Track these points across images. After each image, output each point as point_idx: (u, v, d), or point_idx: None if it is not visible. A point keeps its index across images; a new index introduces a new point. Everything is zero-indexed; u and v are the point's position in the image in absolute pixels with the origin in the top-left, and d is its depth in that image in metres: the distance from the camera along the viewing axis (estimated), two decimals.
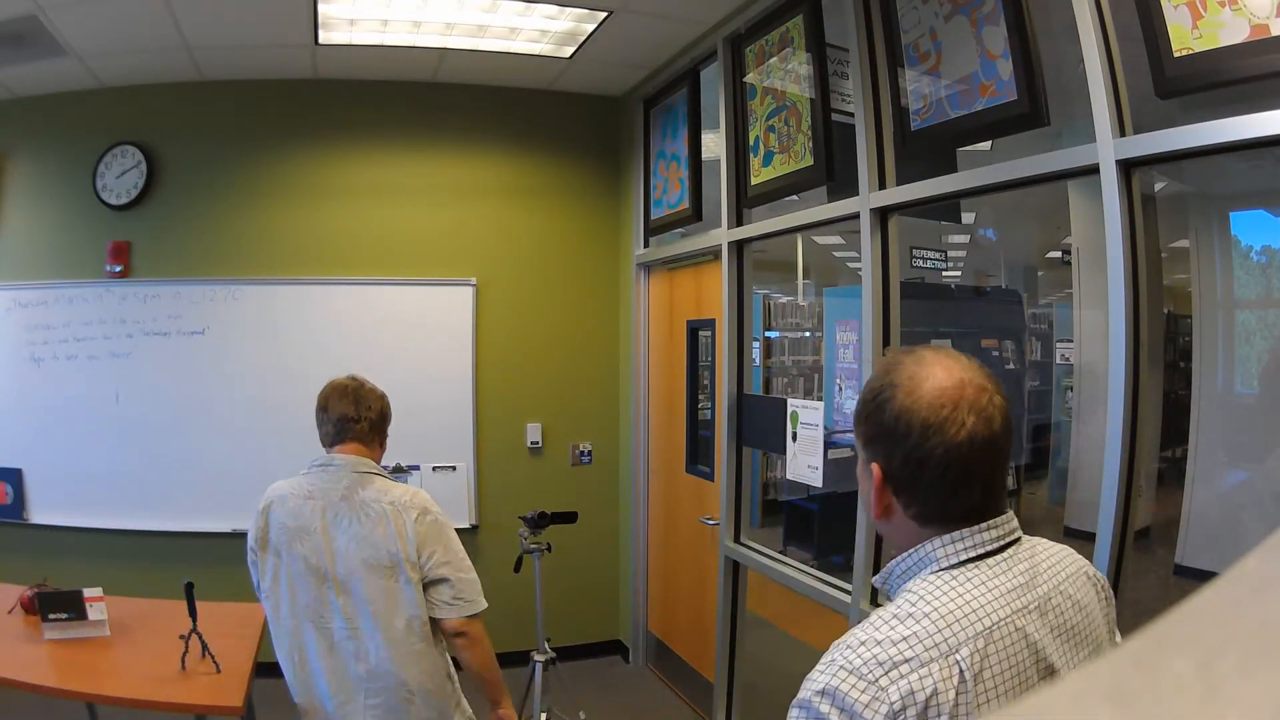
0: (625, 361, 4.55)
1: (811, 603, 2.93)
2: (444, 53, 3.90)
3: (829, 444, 3.52)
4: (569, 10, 3.42)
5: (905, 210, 2.66)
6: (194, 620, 2.40)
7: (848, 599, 2.68)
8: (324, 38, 3.68)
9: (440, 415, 4.22)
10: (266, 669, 3.04)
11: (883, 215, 2.64)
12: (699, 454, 4.00)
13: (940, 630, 0.89)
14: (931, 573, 0.96)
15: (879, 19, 2.60)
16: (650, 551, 4.45)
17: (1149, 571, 3.36)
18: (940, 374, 0.96)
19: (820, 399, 3.70)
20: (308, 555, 2.03)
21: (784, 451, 3.11)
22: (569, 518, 3.14)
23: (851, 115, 2.74)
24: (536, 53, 3.88)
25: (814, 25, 2.89)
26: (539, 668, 3.05)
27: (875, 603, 2.62)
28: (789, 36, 3.04)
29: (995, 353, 5.07)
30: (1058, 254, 5.90)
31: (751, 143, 3.28)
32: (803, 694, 0.89)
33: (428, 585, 2.05)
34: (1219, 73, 1.67)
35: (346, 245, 4.25)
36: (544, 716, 3.03)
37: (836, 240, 6.13)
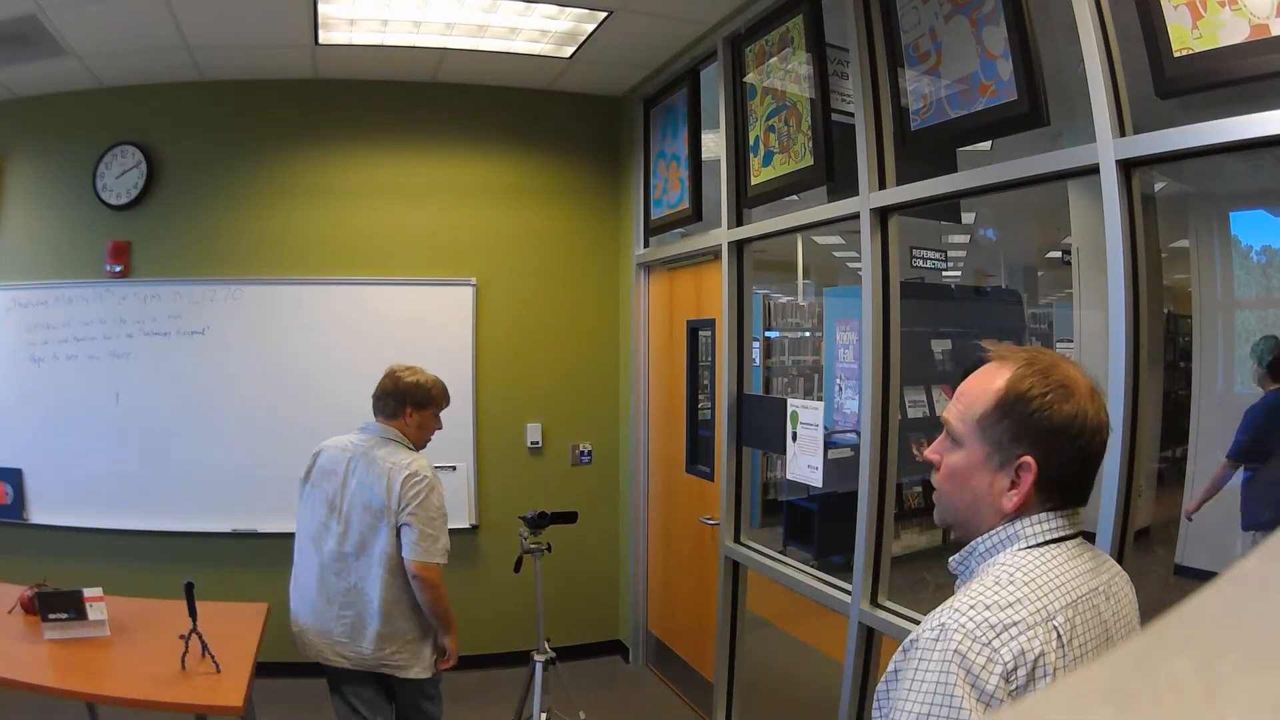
0: (625, 361, 4.55)
1: (811, 603, 2.93)
2: (444, 53, 3.90)
3: (829, 444, 3.52)
4: (569, 10, 3.42)
5: (905, 210, 2.66)
6: (194, 620, 2.41)
7: (848, 599, 2.68)
8: (324, 38, 3.68)
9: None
10: (266, 669, 3.05)
11: (883, 215, 2.64)
12: (699, 454, 4.00)
13: (1040, 598, 0.96)
14: (1018, 549, 1.02)
15: (879, 19, 2.60)
16: (650, 551, 4.45)
17: (1149, 571, 3.36)
18: (1077, 375, 1.04)
19: (820, 399, 3.70)
20: (328, 491, 2.64)
21: (784, 451, 3.11)
22: (569, 518, 3.13)
23: (851, 115, 2.73)
24: (536, 53, 3.88)
25: (814, 25, 2.89)
26: (539, 668, 3.05)
27: (875, 603, 2.62)
28: (789, 36, 3.04)
29: None
30: (1058, 254, 5.90)
31: (751, 143, 3.28)
32: (922, 647, 0.94)
33: (398, 529, 2.55)
34: (1219, 73, 1.67)
35: (346, 245, 4.25)
36: (544, 716, 3.03)
37: (836, 240, 6.14)
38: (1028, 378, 1.02)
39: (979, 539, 1.06)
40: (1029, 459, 1.01)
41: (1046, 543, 1.02)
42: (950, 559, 1.12)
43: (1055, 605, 0.96)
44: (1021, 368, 1.03)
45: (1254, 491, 2.90)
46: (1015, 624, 0.92)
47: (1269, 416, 2.96)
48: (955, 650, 0.91)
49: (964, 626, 0.92)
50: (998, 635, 0.92)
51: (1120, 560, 1.90)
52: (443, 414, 2.76)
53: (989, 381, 1.05)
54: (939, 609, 0.97)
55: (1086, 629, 0.98)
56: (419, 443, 2.71)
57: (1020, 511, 1.03)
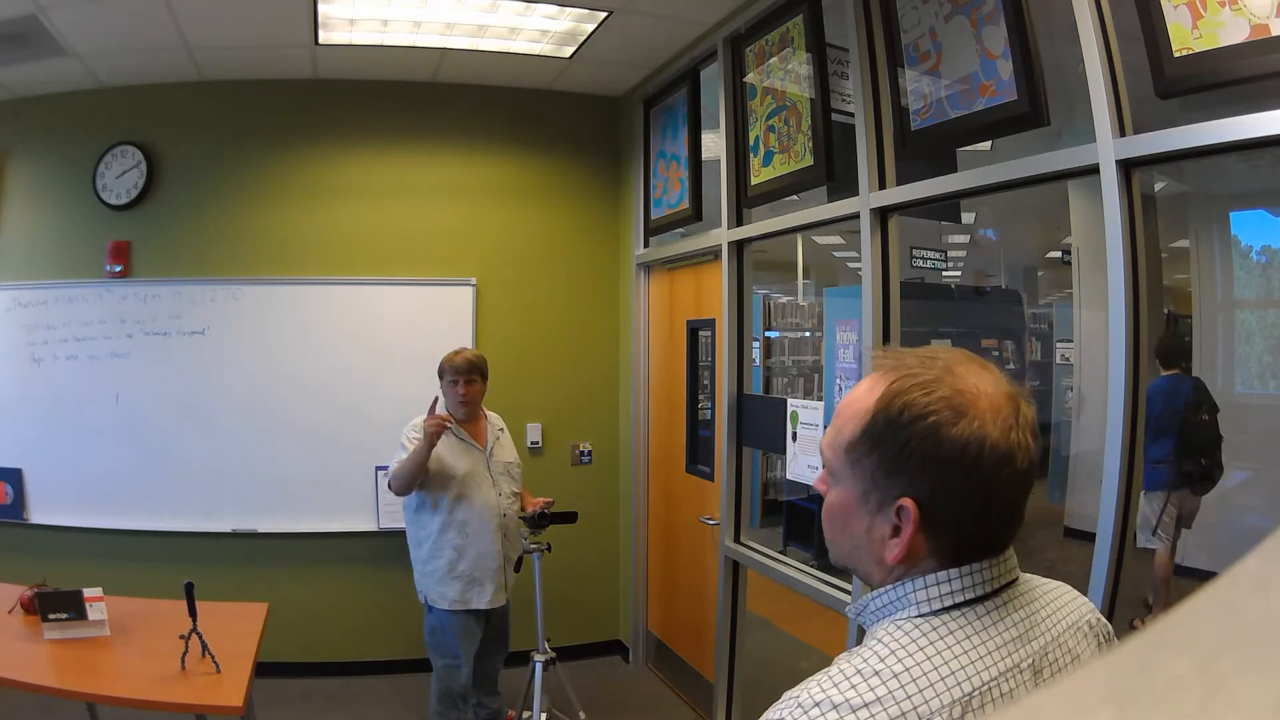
0: (625, 361, 4.55)
1: (811, 603, 2.93)
2: (444, 53, 3.90)
3: None
4: (569, 10, 3.42)
5: (905, 210, 2.66)
6: (194, 620, 2.41)
7: (847, 599, 2.68)
8: (324, 38, 3.68)
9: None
10: (266, 669, 3.05)
11: (883, 215, 2.64)
12: (699, 454, 4.00)
13: (910, 696, 0.74)
14: (906, 618, 0.81)
15: (879, 19, 2.60)
16: (650, 551, 4.45)
17: (1149, 571, 3.36)
18: (986, 383, 0.81)
19: (820, 399, 3.70)
20: None
21: (784, 451, 3.11)
22: (569, 518, 3.14)
23: (851, 115, 2.74)
24: (536, 53, 3.88)
25: (814, 25, 2.89)
26: (539, 667, 3.05)
27: None
28: (789, 36, 3.04)
29: (995, 353, 5.08)
30: (1058, 254, 5.90)
31: (751, 143, 3.28)
32: None
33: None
34: (1219, 73, 1.67)
35: (346, 245, 4.25)
36: (544, 717, 3.03)
37: (836, 240, 6.14)
38: (903, 394, 0.80)
39: (870, 595, 0.86)
40: (908, 502, 0.80)
41: (946, 609, 0.80)
42: (847, 608, 0.94)
43: (934, 705, 0.74)
44: (899, 380, 0.81)
45: (1150, 458, 3.19)
46: None
47: (1156, 399, 3.26)
48: None
49: None
50: None
51: (1120, 560, 1.90)
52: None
53: (862, 399, 0.83)
54: (792, 691, 0.78)
55: None
56: (454, 411, 3.17)
57: (913, 566, 0.82)
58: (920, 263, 5.90)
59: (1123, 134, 1.88)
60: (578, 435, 4.50)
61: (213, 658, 2.39)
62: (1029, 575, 0.89)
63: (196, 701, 2.26)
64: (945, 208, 3.96)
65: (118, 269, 4.13)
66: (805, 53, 2.93)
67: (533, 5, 3.36)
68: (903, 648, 0.78)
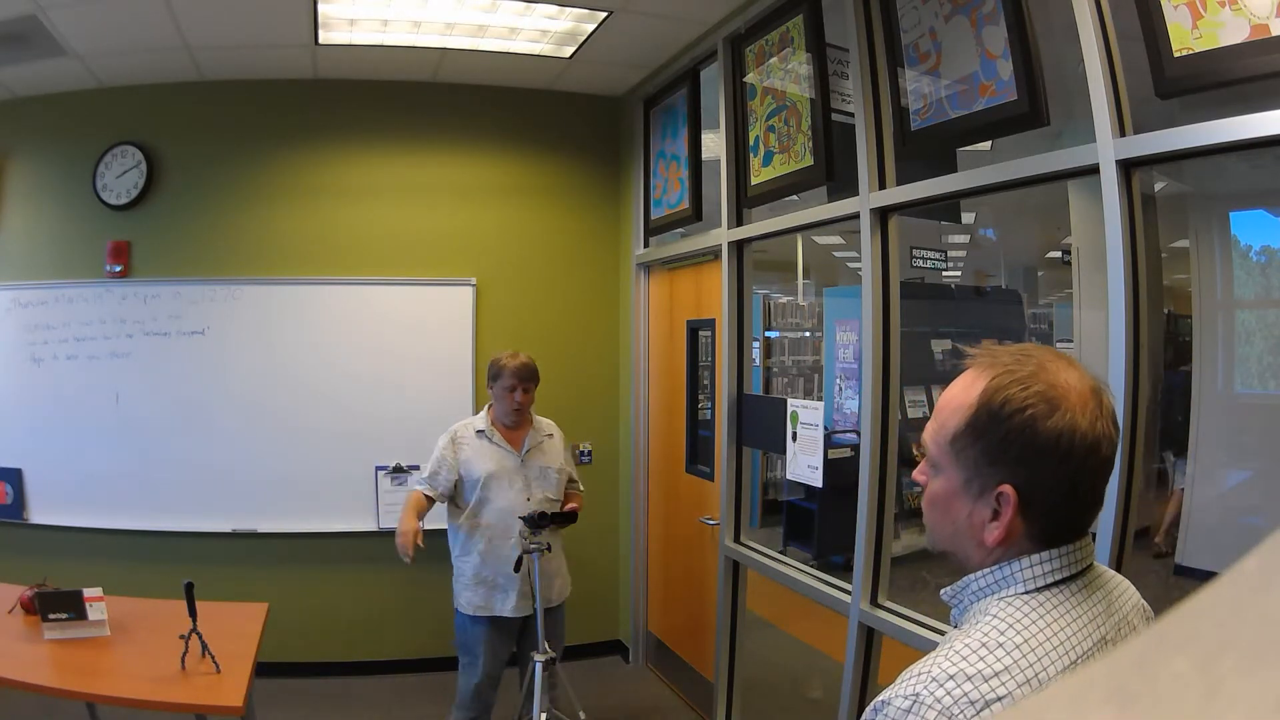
0: (625, 361, 4.55)
1: (811, 603, 2.93)
2: (444, 53, 3.90)
3: (829, 444, 3.52)
4: (569, 10, 3.42)
5: (905, 210, 2.66)
6: (194, 620, 2.41)
7: (848, 599, 2.68)
8: (324, 38, 3.68)
9: (440, 415, 4.23)
10: (266, 669, 3.05)
11: (883, 215, 2.64)
12: (699, 454, 4.00)
13: (1032, 665, 0.82)
14: (1015, 594, 0.88)
15: (879, 19, 2.60)
16: (650, 551, 4.45)
17: (1149, 571, 3.36)
18: (1074, 378, 0.88)
19: (820, 399, 3.70)
20: None
21: (784, 451, 3.11)
22: (569, 518, 3.13)
23: (851, 115, 2.73)
24: (536, 53, 3.88)
25: (814, 25, 2.89)
26: (539, 667, 3.05)
27: (876, 603, 2.62)
28: (789, 36, 3.04)
29: None
30: (1058, 254, 5.90)
31: (751, 143, 3.28)
32: (892, 718, 0.82)
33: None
34: (1219, 73, 1.67)
35: (346, 245, 4.25)
36: (544, 717, 3.03)
37: (836, 240, 6.14)
38: (1003, 390, 0.87)
39: (971, 576, 0.93)
40: (1007, 488, 0.87)
41: (1047, 586, 0.89)
42: (943, 590, 0.99)
43: (1051, 670, 0.82)
44: (998, 377, 0.89)
45: None
46: (1000, 699, 0.80)
47: None
48: None
49: (940, 701, 0.80)
50: (978, 713, 0.79)
51: (1120, 560, 1.90)
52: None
53: (963, 395, 0.91)
54: (916, 668, 0.85)
55: None
56: (503, 417, 3.15)
57: (1011, 547, 0.90)
58: (920, 263, 5.90)
59: (1123, 134, 1.88)
60: (578, 435, 4.49)
61: (213, 658, 2.39)
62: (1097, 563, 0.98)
63: (196, 701, 2.26)
64: (945, 208, 3.96)
65: (118, 269, 4.13)
66: (805, 53, 2.93)
67: (533, 5, 3.36)
68: (1018, 621, 0.85)
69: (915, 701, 0.81)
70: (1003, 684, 0.80)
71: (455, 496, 3.12)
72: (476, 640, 3.11)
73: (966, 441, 0.89)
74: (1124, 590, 0.98)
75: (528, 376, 3.11)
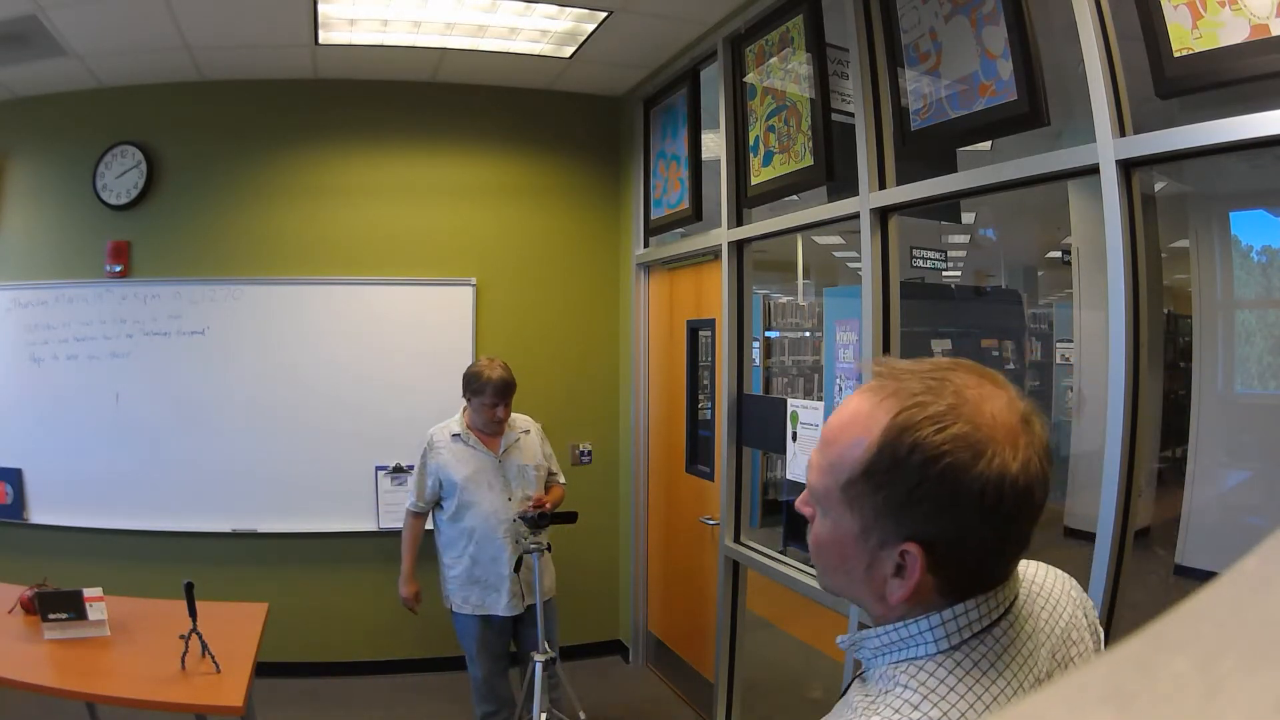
0: (625, 361, 4.55)
1: (811, 603, 2.93)
2: (444, 53, 3.90)
3: None
4: (569, 10, 3.42)
5: (905, 210, 2.66)
6: (194, 620, 2.41)
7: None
8: (324, 38, 3.68)
9: (440, 415, 4.24)
10: (266, 669, 3.05)
11: (883, 215, 2.64)
12: (699, 454, 4.00)
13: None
14: (928, 658, 0.75)
15: (879, 19, 2.60)
16: (650, 551, 4.45)
17: (1149, 571, 3.36)
18: (1000, 408, 0.72)
19: (820, 399, 3.70)
20: None
21: (784, 451, 3.11)
22: (569, 518, 3.13)
23: (851, 115, 2.74)
24: (536, 53, 3.88)
25: (814, 25, 2.89)
26: (539, 667, 3.05)
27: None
28: (789, 36, 3.04)
29: (995, 353, 5.08)
30: (1058, 254, 5.91)
31: (751, 143, 3.28)
32: None
33: None
34: (1219, 73, 1.67)
35: (346, 245, 4.25)
36: (544, 717, 3.03)
37: (836, 240, 6.14)
38: (912, 429, 0.71)
39: (870, 633, 0.79)
40: (914, 547, 0.72)
41: (963, 642, 0.75)
42: (839, 638, 0.86)
43: None
44: (907, 411, 0.72)
45: None
46: None
47: None
48: None
49: None
50: None
51: (1120, 560, 1.90)
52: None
53: (860, 427, 0.74)
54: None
55: None
56: (481, 427, 3.17)
57: (917, 605, 0.75)
58: (920, 263, 5.89)
59: (1123, 134, 1.88)
60: (578, 435, 4.50)
61: (213, 658, 2.39)
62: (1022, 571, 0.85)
63: (196, 701, 2.26)
64: (945, 208, 3.96)
65: (118, 269, 4.13)
66: (805, 53, 2.93)
67: (533, 5, 3.36)
68: (934, 691, 0.72)
69: None
70: None
71: (443, 499, 3.18)
72: (471, 638, 3.16)
73: (863, 489, 0.73)
74: (1055, 604, 0.84)
75: (508, 392, 3.13)
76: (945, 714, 0.70)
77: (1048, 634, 0.80)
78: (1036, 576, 0.86)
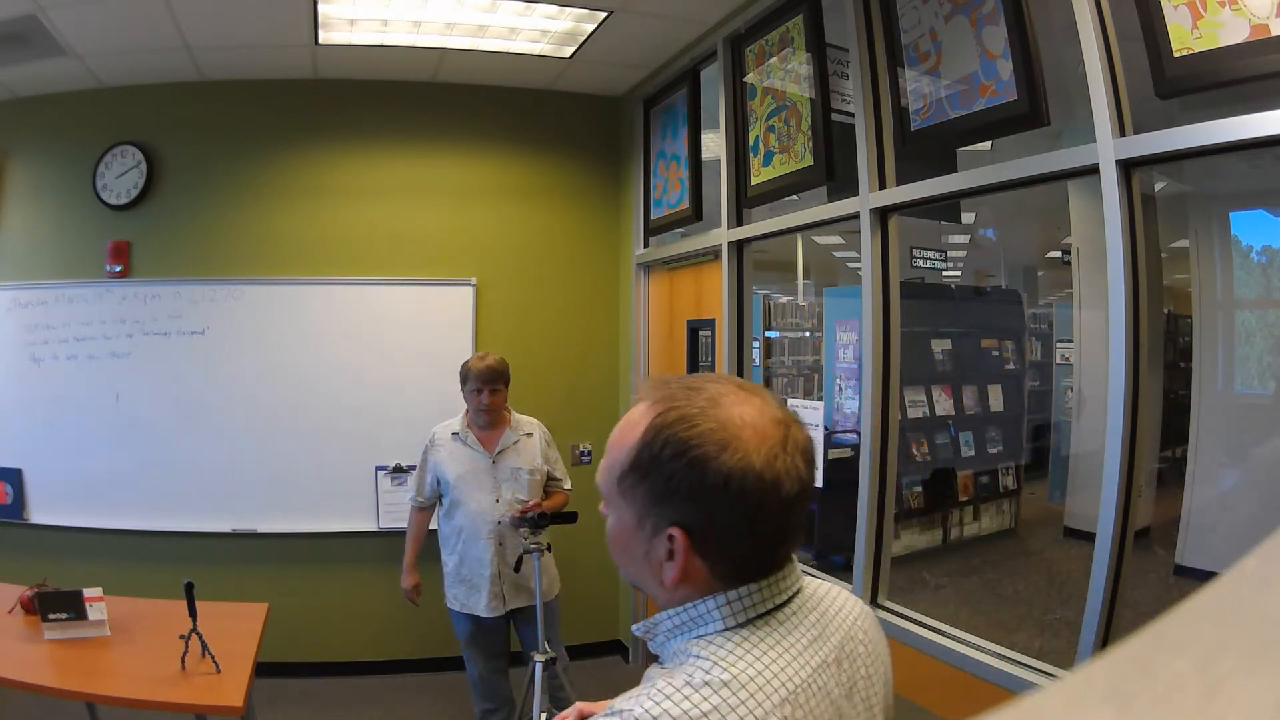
0: (625, 361, 4.55)
1: None
2: (444, 53, 3.90)
3: (829, 444, 3.52)
4: (569, 10, 3.42)
5: (905, 210, 2.66)
6: (194, 620, 2.40)
7: None
8: (324, 38, 3.68)
9: (440, 415, 4.24)
10: (266, 669, 3.05)
11: (883, 215, 2.64)
12: None
13: (744, 701, 0.77)
14: (716, 633, 0.84)
15: (879, 19, 2.60)
16: None
17: (1149, 571, 3.36)
18: (751, 413, 0.83)
19: (820, 399, 3.70)
20: None
21: None
22: (569, 518, 3.13)
23: (851, 115, 2.74)
24: (536, 53, 3.88)
25: (814, 25, 2.89)
26: (539, 667, 3.05)
27: (876, 603, 2.62)
28: (789, 36, 3.04)
29: (995, 353, 5.07)
30: (1058, 254, 5.91)
31: (751, 143, 3.28)
32: None
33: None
34: (1219, 73, 1.67)
35: (346, 245, 4.25)
36: (544, 717, 3.03)
37: (836, 240, 6.14)
38: (667, 428, 0.83)
39: (661, 615, 0.88)
40: (676, 530, 0.83)
41: (749, 621, 0.84)
42: (634, 626, 0.95)
43: (767, 706, 0.78)
44: (664, 414, 0.84)
45: None
46: None
47: None
48: None
49: None
50: None
51: (1120, 560, 1.90)
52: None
53: (630, 432, 0.86)
54: (617, 704, 0.80)
55: None
56: (474, 418, 3.19)
57: (698, 587, 0.85)
58: (920, 263, 5.90)
59: (1123, 134, 1.88)
60: (578, 435, 4.50)
61: (213, 658, 2.39)
62: (807, 579, 0.95)
63: (196, 701, 2.26)
64: (945, 208, 3.96)
65: (118, 269, 4.13)
66: (805, 53, 2.93)
67: (533, 5, 3.36)
68: (724, 659, 0.80)
69: None
70: None
71: (441, 495, 3.22)
72: (464, 635, 3.20)
73: (633, 480, 0.85)
74: (842, 605, 0.95)
75: (492, 378, 3.12)
76: (735, 676, 0.79)
77: (836, 625, 0.91)
78: (824, 588, 0.97)
